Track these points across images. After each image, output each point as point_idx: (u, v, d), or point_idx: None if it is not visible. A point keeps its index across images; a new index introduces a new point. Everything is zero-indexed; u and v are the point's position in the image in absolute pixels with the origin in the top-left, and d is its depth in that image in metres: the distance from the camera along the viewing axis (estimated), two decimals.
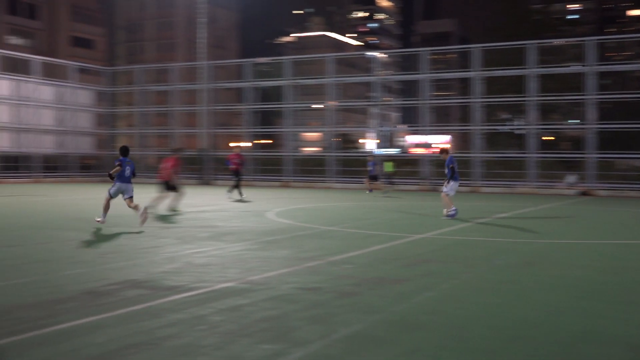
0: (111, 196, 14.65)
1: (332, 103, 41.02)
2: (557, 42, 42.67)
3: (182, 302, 6.82)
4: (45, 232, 13.27)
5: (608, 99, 37.21)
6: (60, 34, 75.56)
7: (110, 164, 46.95)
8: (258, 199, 25.36)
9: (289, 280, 8.06)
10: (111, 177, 14.66)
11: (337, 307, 6.63)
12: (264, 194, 29.91)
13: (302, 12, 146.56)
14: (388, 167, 35.29)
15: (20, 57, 45.17)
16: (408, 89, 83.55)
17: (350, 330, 5.72)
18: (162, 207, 18.39)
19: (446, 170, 17.84)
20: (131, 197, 14.77)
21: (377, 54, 44.37)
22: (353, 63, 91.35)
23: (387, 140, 46.34)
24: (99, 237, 12.34)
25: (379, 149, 41.90)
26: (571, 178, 33.93)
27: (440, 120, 46.21)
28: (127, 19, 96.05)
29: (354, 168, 38.28)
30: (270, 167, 41.64)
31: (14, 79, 42.48)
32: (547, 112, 40.95)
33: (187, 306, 6.60)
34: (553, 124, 41.11)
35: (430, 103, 38.12)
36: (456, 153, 48.61)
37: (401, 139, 77.63)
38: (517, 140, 41.41)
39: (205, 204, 22.04)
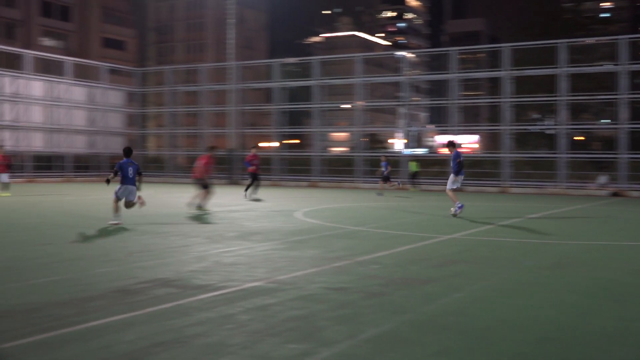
0: (118, 198, 14.79)
1: (360, 103, 40.96)
2: (588, 40, 42.07)
3: (211, 300, 6.87)
4: (76, 230, 13.46)
5: None
6: (91, 35, 76.58)
7: (140, 164, 47.46)
8: (286, 199, 25.44)
9: (316, 280, 8.08)
10: (108, 182, 15.00)
11: (365, 307, 6.63)
12: (291, 193, 29.98)
13: (330, 12, 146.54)
14: (412, 166, 35.23)
15: (53, 59, 45.90)
16: (436, 89, 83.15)
17: (378, 331, 5.72)
18: (208, 203, 18.61)
19: (452, 164, 17.70)
20: (131, 201, 14.85)
21: (405, 53, 44.19)
22: (381, 63, 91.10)
23: (415, 140, 46.11)
24: (129, 236, 12.48)
25: (406, 149, 41.72)
26: (602, 179, 33.45)
27: (469, 120, 45.88)
28: (157, 20, 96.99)
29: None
30: (298, 167, 41.72)
31: (47, 80, 43.16)
32: (578, 111, 40.48)
33: (215, 305, 6.65)
34: (584, 124, 40.56)
35: (459, 103, 37.86)
36: (485, 153, 48.34)
37: (430, 139, 77.34)
38: (547, 141, 40.96)
39: (233, 203, 22.16)
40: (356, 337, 5.49)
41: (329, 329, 5.76)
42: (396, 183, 30.44)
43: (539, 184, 34.64)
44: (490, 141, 59.94)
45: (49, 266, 8.97)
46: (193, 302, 6.78)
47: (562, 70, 34.39)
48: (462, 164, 18.00)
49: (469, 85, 50.86)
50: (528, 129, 42.29)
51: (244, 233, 13.12)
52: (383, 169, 29.71)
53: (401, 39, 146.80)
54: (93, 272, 8.55)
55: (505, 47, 36.08)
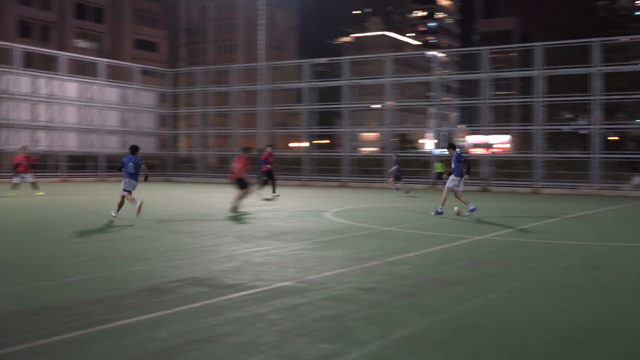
0: (127, 191, 16.14)
1: (390, 103, 40.84)
2: (623, 39, 41.40)
3: (241, 300, 6.91)
4: (109, 229, 13.63)
5: None
6: (124, 37, 77.53)
7: (171, 164, 48.01)
8: (316, 199, 25.46)
9: (346, 280, 8.07)
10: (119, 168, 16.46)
11: (395, 308, 6.60)
12: (321, 193, 30.01)
13: (360, 12, 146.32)
14: (437, 167, 35.14)
15: (87, 60, 46.57)
16: (467, 89, 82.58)
17: (408, 332, 5.69)
18: (247, 202, 18.72)
19: (453, 165, 17.67)
20: (129, 192, 16.11)
21: (436, 53, 43.94)
22: (411, 63, 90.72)
23: (445, 141, 45.85)
24: (160, 236, 12.60)
25: (437, 149, 41.49)
26: (637, 179, 32.89)
27: (500, 120, 45.45)
28: (189, 21, 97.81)
29: (412, 168, 38.03)
30: (328, 167, 41.73)
31: (80, 81, 43.80)
32: (612, 111, 39.88)
33: (245, 304, 6.69)
34: (618, 124, 39.94)
35: (490, 103, 37.53)
36: (517, 153, 47.85)
37: (460, 139, 76.80)
38: (580, 141, 40.41)
39: (263, 203, 22.23)
40: (386, 338, 5.47)
41: (359, 329, 5.75)
42: (396, 184, 30.47)
43: (572, 185, 34.17)
44: (522, 141, 59.31)
45: (82, 264, 9.10)
46: (223, 301, 6.82)
47: (596, 69, 33.89)
48: (468, 162, 17.84)
49: (501, 84, 50.36)
50: (561, 129, 41.78)
51: (274, 233, 13.16)
52: (395, 167, 29.69)
53: (432, 39, 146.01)
54: (125, 270, 8.65)
55: (538, 46, 35.67)
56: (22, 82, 40.24)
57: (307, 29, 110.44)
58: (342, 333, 5.62)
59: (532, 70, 36.04)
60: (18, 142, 39.51)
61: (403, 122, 61.08)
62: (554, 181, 34.92)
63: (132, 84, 46.75)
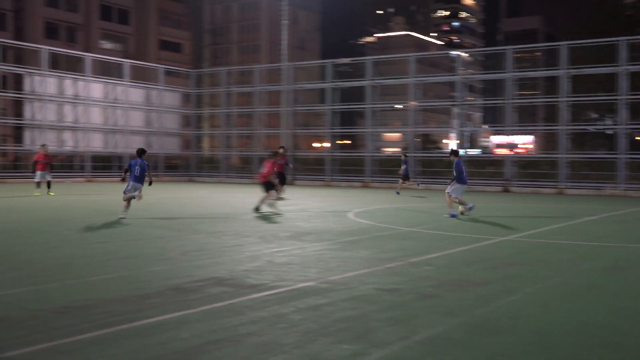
0: (125, 194, 16.39)
1: (414, 103, 40.69)
2: None
3: (264, 300, 6.93)
4: (133, 229, 13.75)
5: None
6: (149, 38, 78.17)
7: (195, 164, 48.31)
8: (338, 199, 25.46)
9: (368, 281, 8.06)
10: (123, 179, 16.76)
11: (417, 309, 6.59)
12: (344, 194, 29.99)
13: (383, 12, 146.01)
14: None
15: (112, 61, 47.03)
16: (491, 89, 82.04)
17: (431, 333, 5.67)
18: (274, 202, 18.77)
19: (455, 172, 17.70)
20: (132, 195, 16.34)
21: (460, 52, 43.70)
22: (435, 62, 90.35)
23: (468, 141, 45.56)
24: (184, 235, 12.68)
25: (460, 150, 41.26)
26: None
27: (524, 120, 45.15)
28: (212, 22, 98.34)
29: (435, 169, 37.86)
30: (351, 168, 41.68)
31: (106, 82, 44.24)
32: (638, 111, 39.31)
33: (268, 304, 6.71)
34: None
35: (514, 102, 37.23)
36: (541, 153, 47.43)
37: (484, 139, 76.31)
38: (606, 141, 39.91)
39: (285, 203, 22.27)
40: (409, 339, 5.46)
41: (381, 330, 5.74)
42: (403, 183, 30.51)
43: (597, 186, 33.76)
44: (547, 141, 58.74)
45: (106, 263, 9.19)
46: (246, 301, 6.85)
47: (622, 68, 33.44)
48: (462, 172, 17.83)
49: (525, 84, 49.99)
50: (586, 129, 41.31)
51: (296, 233, 13.19)
52: (404, 167, 29.67)
53: (455, 38, 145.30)
54: (148, 270, 8.72)
55: (563, 45, 35.31)
56: (48, 83, 40.73)
57: (330, 29, 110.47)
58: (365, 334, 5.61)
59: (557, 69, 35.68)
60: (44, 143, 40.04)
61: (426, 122, 60.79)
62: (579, 182, 34.53)
63: (156, 85, 47.11)
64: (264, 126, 46.60)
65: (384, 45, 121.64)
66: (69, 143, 42.01)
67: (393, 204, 23.67)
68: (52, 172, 26.16)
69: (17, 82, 45.86)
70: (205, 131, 56.92)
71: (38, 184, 25.19)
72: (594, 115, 46.22)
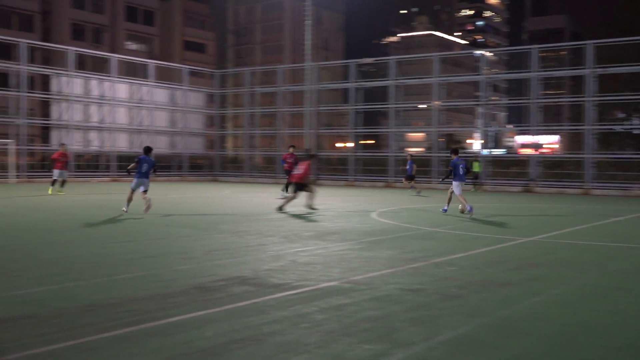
0: (132, 190, 17.15)
1: (437, 103, 40.51)
2: None
3: (287, 299, 6.95)
4: (157, 228, 13.86)
5: None
6: (173, 38, 78.74)
7: (219, 164, 48.57)
8: (361, 199, 25.43)
9: (392, 281, 8.04)
10: (129, 172, 17.67)
11: (441, 310, 6.56)
12: (367, 194, 29.94)
13: (407, 11, 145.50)
14: (475, 167, 34.84)
15: (137, 62, 47.46)
16: (516, 88, 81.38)
17: (454, 334, 5.65)
18: (298, 204, 18.82)
19: (454, 170, 17.99)
20: (145, 191, 17.19)
21: (484, 52, 43.41)
22: (459, 62, 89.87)
23: (493, 141, 45.24)
24: (207, 235, 12.75)
25: (484, 149, 41.00)
26: None
27: (550, 120, 44.71)
28: (236, 23, 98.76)
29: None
30: (374, 168, 41.61)
31: (131, 82, 44.65)
32: None
33: (291, 304, 6.72)
34: None
35: (539, 102, 36.90)
36: (566, 153, 46.95)
37: (509, 139, 75.72)
38: (633, 141, 39.41)
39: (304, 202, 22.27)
40: (432, 339, 5.44)
41: (404, 330, 5.72)
42: (410, 183, 30.76)
43: (624, 186, 33.33)
44: (572, 141, 58.15)
45: (130, 262, 9.27)
46: (269, 301, 6.87)
47: None
48: (459, 171, 18.01)
49: (550, 83, 49.53)
50: (613, 129, 40.81)
51: (320, 233, 13.20)
52: (408, 167, 29.95)
53: (479, 38, 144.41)
54: (173, 268, 8.78)
55: (589, 44, 34.92)
56: (75, 83, 41.20)
57: (353, 29, 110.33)
58: (388, 334, 5.60)
59: (583, 68, 35.31)
60: (71, 143, 40.50)
61: (450, 122, 60.53)
62: (605, 182, 34.12)
63: (180, 85, 47.44)
64: (287, 126, 46.70)
65: (408, 45, 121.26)
66: (94, 143, 42.47)
67: (416, 204, 23.58)
68: (68, 171, 26.42)
69: (45, 82, 46.46)
70: (229, 131, 57.20)
71: (54, 182, 25.37)
72: (621, 115, 45.63)
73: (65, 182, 25.86)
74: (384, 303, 6.81)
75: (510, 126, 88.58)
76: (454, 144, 62.17)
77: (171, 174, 45.80)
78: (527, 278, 8.42)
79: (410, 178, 29.97)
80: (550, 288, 7.81)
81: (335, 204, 22.38)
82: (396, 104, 40.89)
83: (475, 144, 60.21)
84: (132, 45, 70.50)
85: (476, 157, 37.86)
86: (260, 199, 24.84)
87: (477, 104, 44.05)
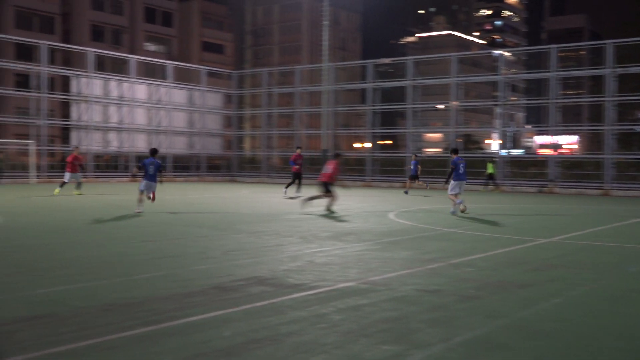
0: (141, 191, 17.41)
1: (455, 103, 40.35)
2: None
3: (304, 300, 6.96)
4: (176, 228, 13.94)
5: None
6: (192, 39, 79.13)
7: (236, 164, 48.72)
8: (379, 200, 25.40)
9: (409, 282, 8.03)
10: (134, 176, 17.53)
11: (459, 311, 6.54)
12: (384, 194, 29.89)
13: (425, 11, 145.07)
14: (489, 168, 34.70)
15: (156, 63, 47.76)
16: (534, 88, 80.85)
17: (472, 335, 5.63)
18: (326, 205, 18.84)
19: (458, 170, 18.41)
20: (153, 193, 17.73)
21: (503, 52, 43.17)
22: (477, 62, 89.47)
23: (511, 141, 44.97)
24: (225, 235, 12.80)
25: (503, 150, 40.77)
26: None
27: (569, 120, 44.33)
28: (254, 24, 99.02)
29: (477, 169, 37.43)
30: (391, 168, 41.54)
31: (149, 83, 44.93)
32: None
33: (308, 304, 6.74)
34: None
35: (558, 102, 36.63)
36: (586, 154, 46.56)
37: (528, 139, 75.23)
38: None
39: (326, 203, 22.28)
40: (450, 341, 5.43)
41: (422, 331, 5.72)
42: (423, 182, 31.19)
43: None
44: (592, 142, 57.65)
45: (149, 262, 9.34)
46: (287, 301, 6.89)
47: None
48: (459, 170, 18.32)
49: (570, 83, 49.17)
50: (633, 129, 40.41)
51: (337, 233, 13.20)
52: (412, 167, 30.24)
53: (498, 37, 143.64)
54: (191, 268, 8.83)
55: (609, 44, 34.61)
56: (94, 84, 41.54)
57: (371, 30, 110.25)
58: (405, 335, 5.60)
59: (602, 68, 35.01)
60: (90, 143, 40.83)
61: (468, 122, 60.24)
62: (625, 183, 33.80)
63: (199, 86, 47.66)
64: (304, 126, 46.75)
65: (425, 45, 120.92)
66: (113, 143, 42.79)
67: (434, 204, 23.51)
68: (81, 173, 26.57)
69: (65, 84, 46.87)
70: (246, 131, 57.38)
71: (63, 184, 25.49)
72: None
73: (81, 183, 26.10)
74: (402, 304, 6.81)
75: (529, 126, 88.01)
76: (472, 145, 61.96)
77: (189, 174, 46.03)
78: (546, 279, 8.37)
79: (414, 178, 30.16)
80: (569, 290, 7.76)
81: (353, 204, 22.37)
82: (414, 104, 40.79)
83: (494, 145, 59.86)
84: (151, 47, 70.95)
85: (491, 158, 37.68)
86: (278, 199, 24.88)
87: (496, 104, 43.81)
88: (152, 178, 17.54)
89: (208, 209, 19.66)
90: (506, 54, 47.99)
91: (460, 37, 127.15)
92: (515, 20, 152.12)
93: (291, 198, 24.46)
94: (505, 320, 6.18)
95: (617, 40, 34.84)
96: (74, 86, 41.52)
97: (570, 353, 5.19)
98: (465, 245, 11.65)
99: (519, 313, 6.49)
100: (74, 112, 41.69)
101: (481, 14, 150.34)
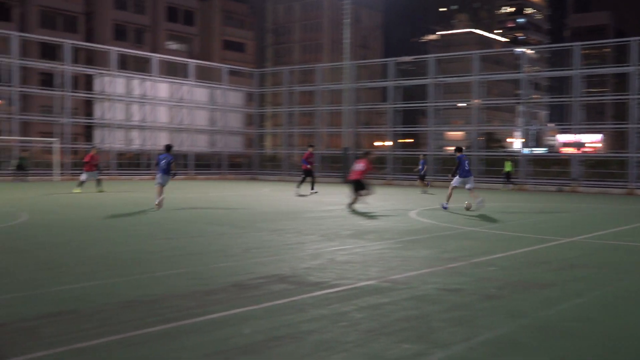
0: (157, 184, 18.49)
1: (477, 101, 40.11)
2: None
3: (325, 298, 6.96)
4: (197, 226, 14.00)
5: None
6: (213, 38, 79.47)
7: (257, 162, 48.86)
8: (400, 199, 25.33)
9: (430, 281, 8.00)
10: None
11: (480, 310, 6.49)
12: (405, 193, 29.80)
13: (446, 9, 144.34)
14: (507, 166, 34.45)
15: (178, 62, 48.02)
16: (557, 86, 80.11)
17: (494, 334, 5.59)
18: (358, 205, 18.91)
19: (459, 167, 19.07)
20: (162, 185, 18.47)
21: (525, 49, 42.79)
22: (499, 60, 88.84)
23: (534, 140, 44.61)
24: (246, 232, 12.83)
25: (525, 148, 40.45)
26: None
27: (592, 119, 43.83)
28: (275, 22, 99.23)
29: (499, 168, 37.19)
30: (412, 167, 41.35)
31: (171, 81, 45.20)
32: None
33: (329, 302, 6.73)
34: None
35: (582, 100, 36.26)
36: (609, 152, 46.04)
37: (550, 138, 74.58)
38: None
39: (347, 202, 22.26)
40: (472, 340, 5.39)
41: (443, 330, 5.69)
42: (427, 183, 31.34)
43: None
44: (616, 140, 57.04)
45: (171, 259, 9.39)
46: (308, 299, 6.89)
47: None
48: (462, 166, 19.12)
49: (593, 81, 48.62)
50: None
51: (358, 231, 13.18)
52: (420, 167, 30.57)
53: (520, 35, 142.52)
54: (212, 266, 8.87)
55: (634, 41, 34.19)
56: (117, 83, 41.90)
57: (392, 28, 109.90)
58: (426, 334, 5.57)
59: (627, 66, 34.59)
60: (113, 141, 41.17)
61: (490, 120, 59.88)
62: None
63: (220, 85, 47.87)
64: (326, 125, 46.75)
65: (447, 43, 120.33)
66: (136, 141, 43.12)
67: (455, 203, 23.39)
68: (98, 172, 26.90)
69: (88, 82, 47.35)
70: (267, 130, 57.51)
71: (81, 183, 25.82)
72: None
73: (100, 180, 26.43)
74: (423, 303, 6.78)
75: (552, 125, 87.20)
76: (494, 143, 61.60)
77: (211, 172, 46.24)
78: (569, 279, 8.29)
79: (423, 178, 30.34)
80: (592, 290, 7.67)
81: (374, 202, 22.31)
82: (435, 102, 40.62)
83: (516, 143, 59.45)
84: (173, 45, 71.38)
85: (510, 156, 37.41)
86: (298, 197, 24.91)
87: (518, 102, 43.50)
88: (164, 172, 18.46)
89: (229, 207, 19.73)
90: (529, 51, 47.60)
91: (482, 34, 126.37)
92: (537, 17, 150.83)
93: (302, 195, 24.82)
94: (527, 320, 6.12)
95: None
96: (97, 85, 41.91)
97: (593, 353, 5.13)
98: (487, 244, 11.58)
99: (541, 313, 6.43)
100: (97, 110, 42.09)
101: (503, 11, 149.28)
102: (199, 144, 46.46)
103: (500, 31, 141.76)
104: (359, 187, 18.54)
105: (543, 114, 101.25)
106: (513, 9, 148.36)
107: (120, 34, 66.24)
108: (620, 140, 46.06)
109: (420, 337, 5.45)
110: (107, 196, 23.59)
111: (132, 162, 44.16)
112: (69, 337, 5.27)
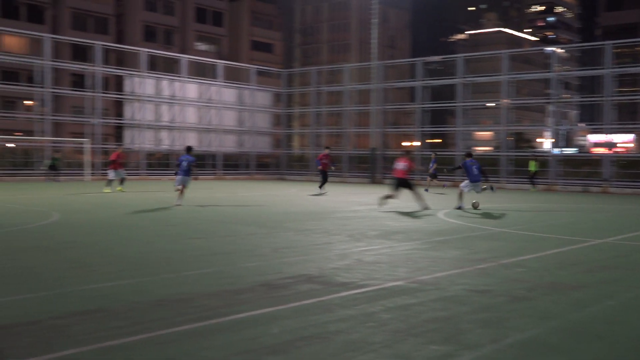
0: (183, 185, 19.13)
1: (506, 101, 39.75)
2: None
3: (353, 298, 6.96)
4: (226, 226, 14.09)
5: None
6: (241, 39, 79.84)
7: (285, 162, 48.98)
8: (428, 199, 25.19)
9: (458, 282, 7.95)
10: (176, 173, 19.60)
11: (509, 312, 6.44)
12: (433, 193, 29.64)
13: (475, 8, 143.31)
14: (532, 166, 34.09)
15: (206, 62, 48.36)
16: (588, 85, 79.06)
17: (523, 336, 5.54)
18: (388, 204, 18.95)
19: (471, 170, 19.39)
20: (184, 186, 19.11)
21: (555, 49, 42.31)
22: (529, 59, 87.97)
23: (564, 140, 44.08)
24: (275, 232, 12.88)
25: (555, 149, 39.99)
26: None
27: (624, 118, 43.17)
28: (303, 22, 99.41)
29: (528, 168, 36.80)
30: (440, 167, 41.09)
31: (200, 82, 45.53)
32: None
33: (357, 303, 6.72)
34: None
35: (613, 100, 35.73)
36: None
37: (581, 138, 73.62)
38: None
39: (375, 202, 22.22)
40: (500, 342, 5.35)
41: (471, 331, 5.65)
42: (431, 181, 31.27)
43: None
44: None
45: (200, 259, 9.46)
46: (335, 299, 6.89)
47: None
48: (468, 171, 19.51)
49: (625, 80, 47.81)
50: None
51: (385, 232, 13.15)
52: (431, 165, 30.73)
53: (550, 34, 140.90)
54: (240, 265, 8.91)
55: None
56: (147, 84, 42.31)
57: (420, 27, 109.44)
58: (454, 335, 5.54)
59: None
60: (143, 142, 41.59)
61: (519, 120, 59.31)
62: None
63: (248, 85, 48.09)
64: (353, 125, 46.70)
65: (476, 43, 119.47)
66: (165, 142, 43.50)
67: (483, 203, 23.20)
68: (124, 170, 27.28)
69: (118, 83, 47.89)
70: (295, 130, 57.62)
71: (110, 182, 26.19)
72: None
73: (124, 179, 26.74)
74: (451, 304, 6.74)
75: (583, 124, 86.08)
76: (524, 143, 61.02)
77: (239, 172, 46.49)
78: (600, 281, 8.18)
79: (433, 176, 30.33)
80: (624, 291, 7.56)
81: (401, 202, 22.23)
82: (464, 102, 40.35)
83: (546, 143, 58.79)
84: (202, 46, 71.87)
85: (535, 156, 37.00)
86: (326, 197, 24.92)
87: (548, 102, 43.01)
88: (185, 173, 19.04)
89: (257, 207, 19.81)
90: (559, 50, 47.04)
91: (512, 34, 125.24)
92: (568, 16, 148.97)
93: (318, 194, 25.08)
94: (558, 322, 6.06)
95: None
96: (127, 85, 42.37)
97: (625, 356, 5.06)
98: (516, 245, 11.47)
99: (572, 315, 6.36)
100: (127, 111, 42.55)
101: (533, 10, 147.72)
102: (227, 144, 46.72)
103: (530, 30, 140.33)
104: (404, 185, 18.66)
105: (573, 113, 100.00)
106: (543, 8, 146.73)
107: (149, 35, 66.91)
108: None
109: (448, 339, 5.43)
110: (135, 196, 23.84)
111: (162, 162, 44.56)
112: (99, 336, 5.34)
